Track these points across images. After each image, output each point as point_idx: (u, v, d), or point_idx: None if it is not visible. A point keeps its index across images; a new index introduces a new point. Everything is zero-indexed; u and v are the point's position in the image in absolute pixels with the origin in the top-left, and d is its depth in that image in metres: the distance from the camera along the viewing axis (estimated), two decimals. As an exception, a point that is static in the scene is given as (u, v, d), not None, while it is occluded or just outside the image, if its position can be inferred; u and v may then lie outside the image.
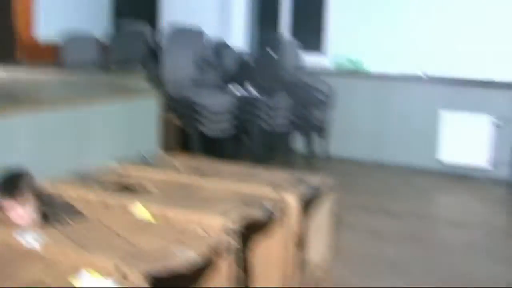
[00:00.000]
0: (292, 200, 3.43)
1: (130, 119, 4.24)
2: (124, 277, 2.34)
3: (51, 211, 3.12)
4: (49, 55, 6.29)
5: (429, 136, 6.84)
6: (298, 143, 7.36)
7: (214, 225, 2.96)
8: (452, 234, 4.91)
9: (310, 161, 7.02)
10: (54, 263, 2.51)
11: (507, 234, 5.06)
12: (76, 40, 6.31)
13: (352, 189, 6.01)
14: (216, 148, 6.20)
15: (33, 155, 3.54)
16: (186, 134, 5.72)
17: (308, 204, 3.75)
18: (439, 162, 6.82)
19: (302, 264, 3.70)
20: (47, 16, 6.83)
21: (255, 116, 6.23)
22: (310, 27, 8.12)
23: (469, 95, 6.69)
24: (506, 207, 5.98)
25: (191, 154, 5.17)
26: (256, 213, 3.14)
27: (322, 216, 3.94)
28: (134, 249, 2.60)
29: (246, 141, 6.51)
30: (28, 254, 2.60)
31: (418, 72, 6.98)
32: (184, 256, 2.56)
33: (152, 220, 3.09)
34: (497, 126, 6.50)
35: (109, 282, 2.32)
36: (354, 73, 7.34)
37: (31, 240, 2.69)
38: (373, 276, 3.99)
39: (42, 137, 3.62)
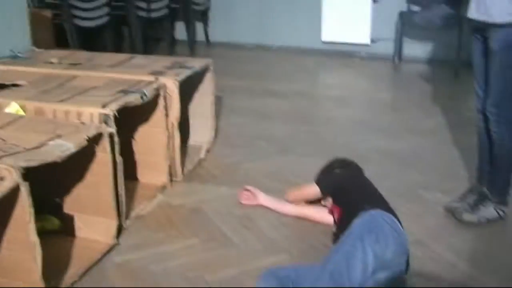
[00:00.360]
0: (171, 84, 3.40)
1: (-3, 16, 4.04)
2: (1, 177, 2.27)
3: None
4: None
5: (312, 16, 6.84)
6: (180, 30, 7.23)
7: (91, 115, 2.90)
8: (335, 111, 5.01)
9: (192, 48, 6.93)
10: None
11: (386, 106, 5.23)
12: None
13: (236, 73, 6.01)
14: (94, 41, 6.01)
15: None
16: (61, 29, 5.50)
17: (189, 88, 3.73)
18: (322, 42, 6.87)
19: (184, 148, 3.71)
20: None
21: (132, 4, 6.04)
22: None
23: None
24: (387, 81, 6.14)
25: (68, 49, 4.99)
26: (134, 99, 3.10)
27: (203, 99, 3.93)
28: (9, 147, 2.52)
29: (126, 32, 6.35)
30: None
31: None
32: (60, 149, 2.51)
33: (27, 116, 3.00)
34: (375, 2, 6.56)
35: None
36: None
37: None
38: (258, 154, 4.05)
39: None
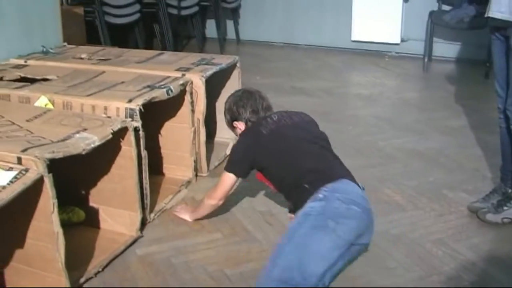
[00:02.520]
0: (197, 81, 3.44)
1: (28, 11, 4.09)
2: (25, 169, 2.32)
3: None
4: None
5: (342, 15, 6.84)
6: (210, 28, 7.28)
7: (117, 109, 2.96)
8: (362, 109, 5.01)
9: (222, 46, 6.97)
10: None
11: (414, 106, 5.20)
12: None
13: (264, 70, 6.03)
14: (125, 38, 6.08)
15: None
16: (92, 26, 5.58)
17: (215, 85, 3.77)
18: (352, 40, 6.87)
19: (210, 144, 3.76)
20: None
21: (163, 2, 6.10)
22: None
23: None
24: (416, 81, 6.11)
25: (99, 46, 5.05)
26: (160, 95, 3.14)
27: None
28: (36, 139, 2.57)
29: (156, 29, 6.41)
30: None
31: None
32: (85, 141, 2.55)
33: (55, 110, 3.05)
34: (406, 1, 6.54)
35: (9, 175, 2.30)
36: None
37: None
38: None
39: None
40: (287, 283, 2.31)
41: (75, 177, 2.89)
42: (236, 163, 2.91)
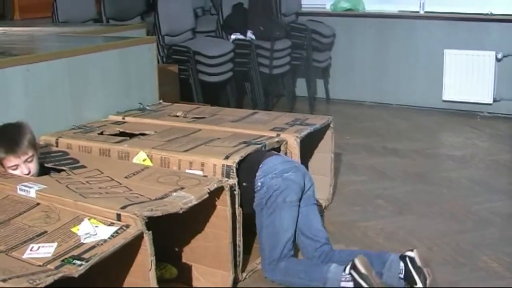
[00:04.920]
0: (292, 141, 3.45)
1: (127, 70, 4.23)
2: (126, 225, 2.37)
3: (51, 162, 3.15)
4: (46, 12, 6.24)
5: (433, 75, 6.78)
6: (299, 86, 7.32)
7: (214, 166, 2.99)
8: (456, 171, 4.90)
9: (312, 104, 6.99)
10: (55, 213, 2.54)
11: (509, 168, 5.06)
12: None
13: (355, 130, 6.00)
14: (216, 95, 6.18)
15: (31, 108, 3.55)
16: (186, 83, 5.69)
17: (308, 144, 3.77)
18: (443, 100, 6.78)
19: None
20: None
21: (255, 61, 6.20)
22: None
23: (471, 31, 6.61)
24: (510, 142, 5.96)
25: (191, 103, 5.15)
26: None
27: (323, 156, 3.95)
28: (134, 197, 2.63)
29: (247, 87, 6.49)
30: (29, 205, 2.62)
31: (418, 9, 6.90)
32: (183, 200, 2.59)
33: (152, 167, 3.11)
34: (499, 61, 6.43)
35: (110, 230, 2.35)
36: (353, 13, 7.25)
37: (32, 192, 2.71)
38: (376, 213, 4.01)
39: (39, 89, 3.62)
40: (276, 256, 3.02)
41: (169, 233, 2.92)
42: None
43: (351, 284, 2.80)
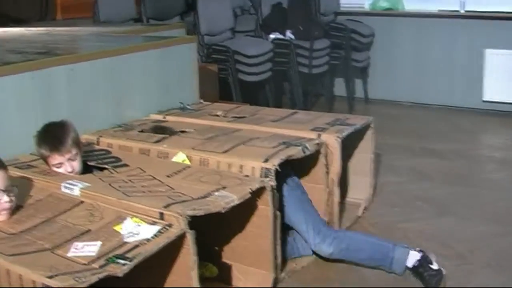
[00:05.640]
0: (333, 141, 3.44)
1: (168, 69, 4.26)
2: (169, 224, 2.39)
3: (93, 161, 3.19)
4: (87, 12, 6.32)
5: (473, 75, 6.71)
6: (338, 86, 7.30)
7: (253, 168, 2.99)
8: (497, 173, 4.85)
9: (351, 104, 6.97)
10: (99, 211, 2.57)
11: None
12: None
13: (394, 131, 5.96)
14: (255, 94, 6.19)
15: (74, 107, 3.60)
16: (225, 83, 5.72)
17: (349, 145, 3.76)
18: (483, 100, 6.70)
19: (342, 204, 3.72)
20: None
21: (294, 61, 6.20)
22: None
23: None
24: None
25: (230, 102, 5.17)
26: (296, 153, 3.17)
27: (363, 156, 3.94)
28: (177, 195, 2.65)
29: (286, 86, 6.49)
30: (73, 203, 2.66)
31: (458, 8, 6.83)
32: (225, 200, 2.60)
33: (193, 166, 3.13)
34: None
35: (153, 229, 2.37)
36: (392, 12, 7.21)
37: (76, 190, 2.74)
38: (415, 215, 3.98)
39: (82, 89, 3.67)
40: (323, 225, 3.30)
41: (208, 232, 2.93)
42: None
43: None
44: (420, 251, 3.09)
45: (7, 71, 3.31)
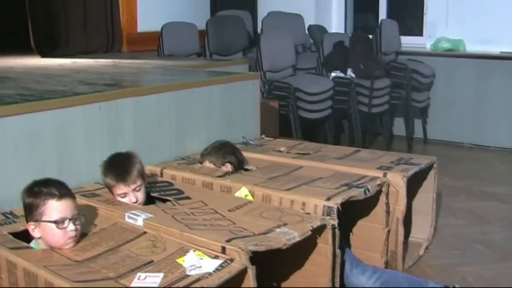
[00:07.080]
0: (398, 180, 3.44)
1: (231, 104, 4.32)
2: (231, 259, 2.41)
3: (156, 192, 3.24)
4: (151, 45, 6.47)
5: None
6: (397, 125, 7.27)
7: (315, 206, 3.00)
8: (560, 218, 4.76)
9: (410, 144, 6.93)
10: (161, 242, 2.60)
11: None
12: (176, 28, 6.44)
13: (453, 172, 5.89)
14: (314, 131, 6.22)
15: (139, 138, 3.68)
16: (285, 119, 5.76)
17: (412, 184, 3.74)
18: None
19: (404, 243, 3.69)
20: (149, 11, 7.03)
21: (355, 99, 6.22)
22: (408, 9, 8.07)
23: None
24: None
25: (290, 138, 5.20)
26: (357, 194, 3.17)
27: (425, 196, 3.92)
28: (238, 230, 2.67)
29: (345, 124, 6.51)
30: (137, 234, 2.70)
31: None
32: (286, 236, 2.61)
33: (255, 201, 3.16)
34: None
35: (215, 262, 2.39)
36: (454, 54, 7.17)
37: (139, 220, 2.79)
38: (475, 258, 3.91)
39: (147, 121, 3.75)
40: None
41: (267, 267, 2.93)
42: None
43: None
44: None
45: (77, 101, 3.41)
